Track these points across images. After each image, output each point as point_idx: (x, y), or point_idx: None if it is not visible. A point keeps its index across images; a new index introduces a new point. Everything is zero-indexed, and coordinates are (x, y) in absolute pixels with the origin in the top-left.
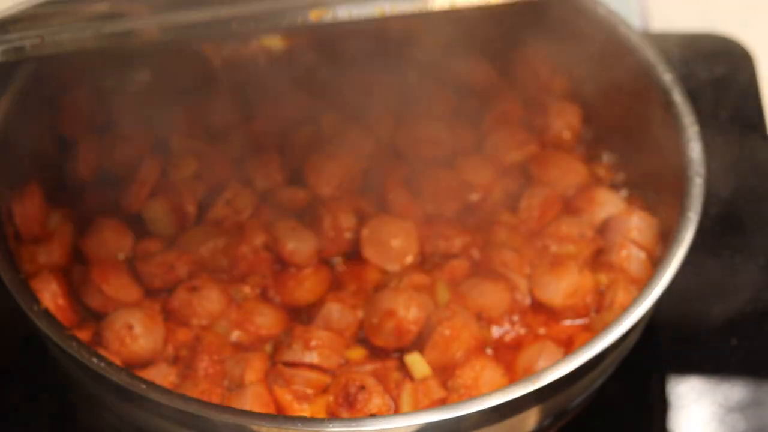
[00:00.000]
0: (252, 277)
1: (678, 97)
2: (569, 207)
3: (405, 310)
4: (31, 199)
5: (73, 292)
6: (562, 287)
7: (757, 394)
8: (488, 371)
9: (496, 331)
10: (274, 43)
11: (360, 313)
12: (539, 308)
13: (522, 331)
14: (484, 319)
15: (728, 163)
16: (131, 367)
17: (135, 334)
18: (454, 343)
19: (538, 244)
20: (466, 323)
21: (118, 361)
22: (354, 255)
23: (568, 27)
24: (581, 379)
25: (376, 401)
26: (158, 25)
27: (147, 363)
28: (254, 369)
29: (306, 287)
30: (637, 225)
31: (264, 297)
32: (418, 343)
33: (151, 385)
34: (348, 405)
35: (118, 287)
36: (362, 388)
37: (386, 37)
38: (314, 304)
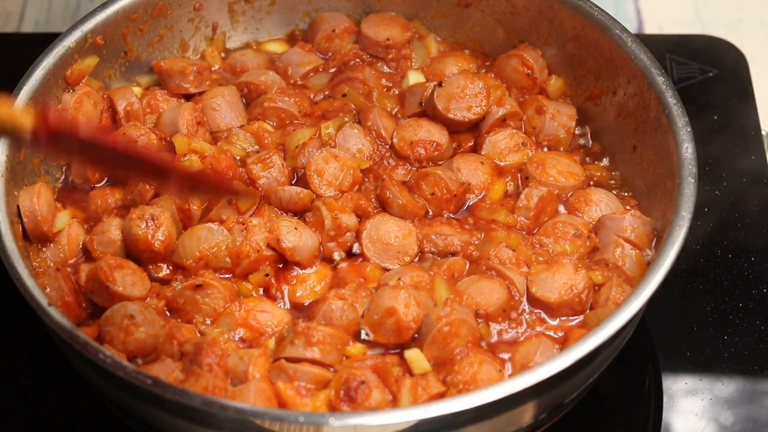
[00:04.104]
0: (255, 276)
1: (671, 99)
2: (565, 206)
3: (405, 307)
4: (39, 198)
5: (80, 289)
6: (558, 285)
7: (747, 389)
8: (486, 367)
9: (493, 328)
10: (275, 47)
11: (361, 310)
12: (536, 305)
13: (519, 327)
14: (482, 316)
15: (722, 163)
16: (137, 357)
17: (137, 322)
18: (452, 340)
19: (535, 242)
20: (464, 320)
21: (123, 356)
22: (355, 253)
23: (564, 30)
24: (577, 374)
25: (376, 396)
26: None
27: (151, 351)
28: (258, 365)
29: (308, 285)
30: (631, 224)
31: (267, 295)
32: (418, 340)
33: (156, 380)
34: (349, 399)
35: (124, 285)
36: (363, 383)
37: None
38: (316, 302)
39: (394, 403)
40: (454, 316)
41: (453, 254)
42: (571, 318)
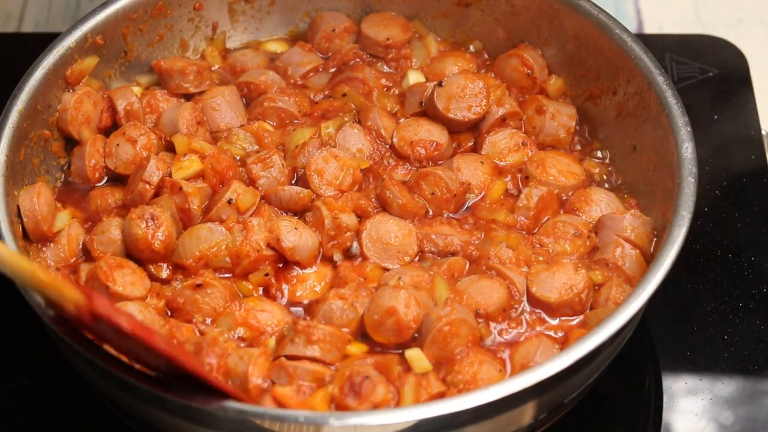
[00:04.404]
0: (255, 275)
1: (671, 99)
2: (565, 206)
3: (405, 307)
4: (39, 198)
5: (80, 289)
6: (558, 284)
7: (747, 389)
8: (486, 367)
9: (493, 328)
10: (275, 47)
11: (361, 310)
12: (536, 305)
13: (519, 327)
14: (482, 316)
15: (722, 163)
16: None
17: None
18: (452, 339)
19: (535, 242)
20: (464, 320)
21: (123, 356)
22: (355, 253)
23: (564, 30)
24: (577, 374)
25: (381, 390)
26: None
27: None
28: (257, 365)
29: (308, 285)
30: (631, 224)
31: (267, 294)
32: (418, 339)
33: (156, 379)
34: (354, 394)
35: (123, 285)
36: (367, 377)
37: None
38: (316, 301)
39: (398, 399)
40: (454, 315)
41: (453, 254)
42: (571, 318)
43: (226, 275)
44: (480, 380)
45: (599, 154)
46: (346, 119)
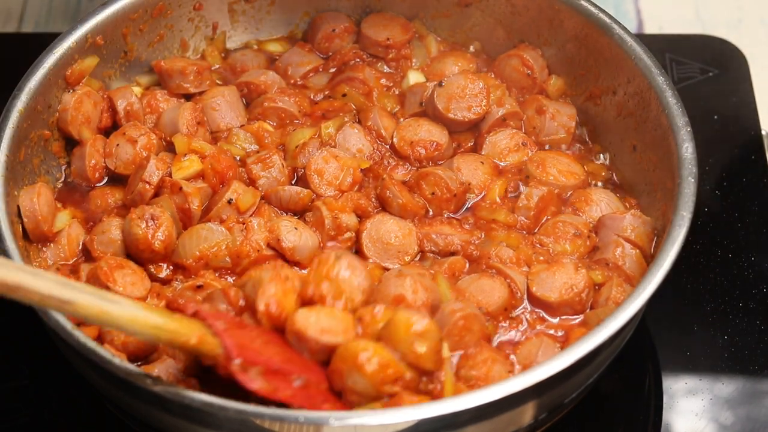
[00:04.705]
0: None
1: (671, 99)
2: (565, 206)
3: (413, 294)
4: (39, 198)
5: None
6: (559, 284)
7: (747, 389)
8: (497, 366)
9: (493, 327)
10: (275, 47)
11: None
12: (536, 304)
13: (519, 326)
14: (483, 315)
15: (722, 163)
16: (137, 358)
17: None
18: (466, 334)
19: (535, 242)
20: (476, 315)
21: (123, 356)
22: (355, 253)
23: (564, 30)
24: (577, 374)
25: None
26: None
27: (151, 351)
28: (265, 290)
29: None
30: (631, 223)
31: None
32: None
33: (156, 380)
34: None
35: (124, 285)
36: None
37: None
38: None
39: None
40: (468, 310)
41: (453, 254)
42: (571, 317)
43: (227, 275)
44: (491, 378)
45: (599, 153)
46: (346, 119)
